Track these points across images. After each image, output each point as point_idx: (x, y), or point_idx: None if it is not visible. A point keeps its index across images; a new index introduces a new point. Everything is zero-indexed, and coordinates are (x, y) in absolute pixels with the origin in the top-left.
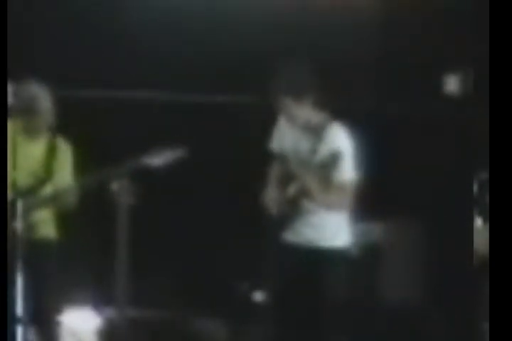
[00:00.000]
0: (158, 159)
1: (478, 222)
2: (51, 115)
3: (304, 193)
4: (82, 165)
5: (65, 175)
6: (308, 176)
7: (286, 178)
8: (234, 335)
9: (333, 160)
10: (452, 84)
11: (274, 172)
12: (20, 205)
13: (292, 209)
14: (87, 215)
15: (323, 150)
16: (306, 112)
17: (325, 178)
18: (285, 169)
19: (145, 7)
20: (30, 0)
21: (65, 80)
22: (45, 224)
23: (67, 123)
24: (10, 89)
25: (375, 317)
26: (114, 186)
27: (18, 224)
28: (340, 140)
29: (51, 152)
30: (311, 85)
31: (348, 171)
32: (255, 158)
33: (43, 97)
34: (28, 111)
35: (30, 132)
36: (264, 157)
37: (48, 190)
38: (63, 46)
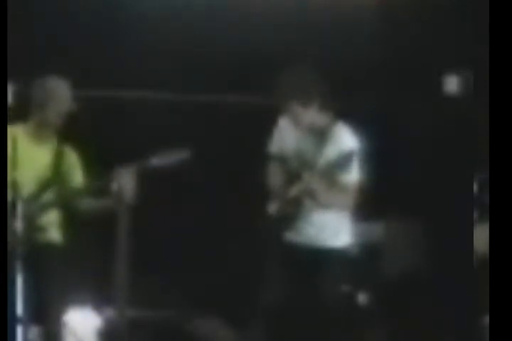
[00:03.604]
0: (165, 160)
1: (478, 222)
2: (69, 103)
3: (308, 193)
4: (88, 167)
5: (74, 179)
6: (313, 177)
7: (288, 179)
8: (234, 335)
9: (346, 160)
10: (452, 84)
11: (274, 174)
12: (21, 207)
13: (294, 209)
14: (87, 215)
15: (330, 151)
16: (312, 115)
17: (331, 179)
18: (286, 170)
19: (147, 6)
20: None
21: (66, 80)
22: (50, 226)
23: (71, 124)
24: (30, 85)
25: (375, 316)
26: (114, 186)
27: (18, 225)
28: (348, 140)
29: (59, 157)
30: (316, 89)
31: (354, 171)
32: (256, 157)
33: (61, 87)
34: (48, 99)
35: (42, 131)
36: (265, 157)
37: (53, 193)
38: (63, 46)
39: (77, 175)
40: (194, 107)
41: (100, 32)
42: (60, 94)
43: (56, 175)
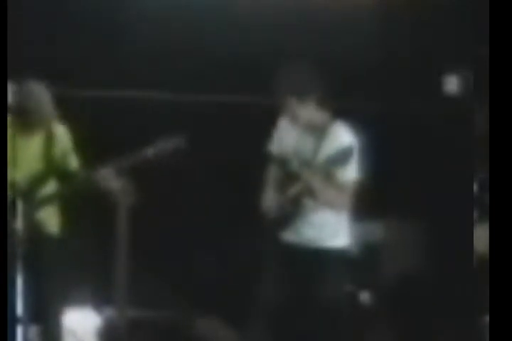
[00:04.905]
0: (157, 150)
1: (478, 222)
2: (49, 113)
3: (307, 192)
4: (83, 162)
5: (68, 160)
6: (312, 175)
7: (287, 179)
8: (234, 335)
9: (344, 156)
10: (452, 84)
11: (273, 174)
12: (20, 204)
13: (293, 209)
14: (86, 215)
15: (327, 148)
16: (310, 112)
17: (329, 176)
18: (285, 170)
19: (147, 6)
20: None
21: (66, 80)
22: (47, 223)
23: (66, 123)
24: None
25: (375, 316)
26: (114, 186)
27: (18, 223)
28: (345, 137)
29: (49, 140)
30: (314, 85)
31: (352, 169)
32: (256, 157)
33: (40, 95)
34: (26, 110)
35: (27, 129)
36: (265, 157)
37: (51, 185)
38: (64, 46)
39: (72, 161)
40: (194, 107)
41: (100, 32)
42: (39, 102)
43: (49, 163)
